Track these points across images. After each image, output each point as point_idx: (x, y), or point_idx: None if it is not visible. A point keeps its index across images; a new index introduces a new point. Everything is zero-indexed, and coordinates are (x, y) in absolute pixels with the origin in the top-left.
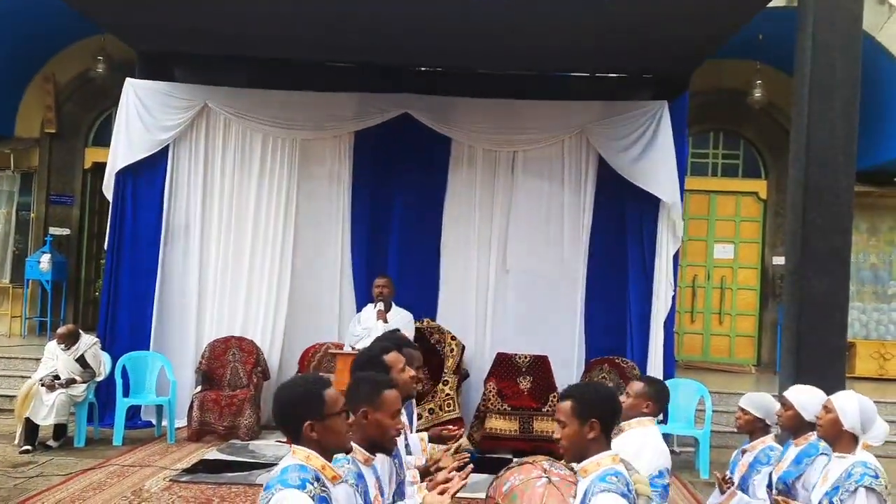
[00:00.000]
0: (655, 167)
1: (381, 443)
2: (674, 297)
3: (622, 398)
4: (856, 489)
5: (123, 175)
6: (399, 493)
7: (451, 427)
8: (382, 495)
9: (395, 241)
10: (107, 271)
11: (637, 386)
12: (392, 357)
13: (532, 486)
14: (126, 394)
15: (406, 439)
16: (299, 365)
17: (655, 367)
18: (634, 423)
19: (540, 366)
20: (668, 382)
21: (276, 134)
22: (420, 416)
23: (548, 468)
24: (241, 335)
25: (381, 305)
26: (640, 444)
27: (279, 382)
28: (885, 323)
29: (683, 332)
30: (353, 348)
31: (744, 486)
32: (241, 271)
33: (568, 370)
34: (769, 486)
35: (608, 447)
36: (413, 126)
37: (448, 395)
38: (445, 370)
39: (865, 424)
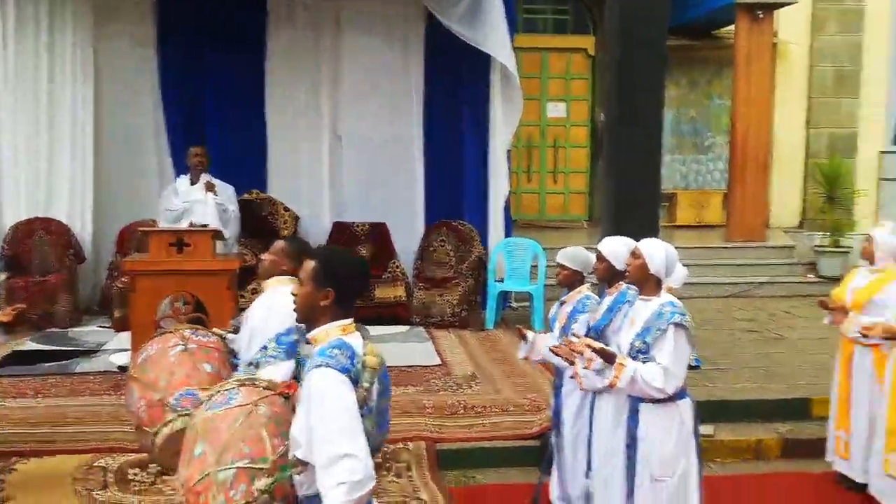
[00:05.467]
0: (485, 23)
1: None
2: (509, 156)
3: (264, 256)
4: (667, 327)
5: None
6: None
7: None
8: None
9: (212, 107)
10: None
11: (278, 245)
12: None
13: (166, 354)
14: None
15: None
16: (116, 246)
17: (495, 228)
18: (272, 282)
19: (379, 233)
20: (504, 242)
21: None
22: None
23: (189, 336)
24: (46, 216)
25: (208, 177)
26: (270, 304)
27: (96, 266)
28: (703, 173)
29: (520, 191)
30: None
31: (564, 335)
32: (37, 141)
33: (408, 236)
34: (586, 333)
35: (344, 318)
36: None
37: None
38: None
39: (669, 268)
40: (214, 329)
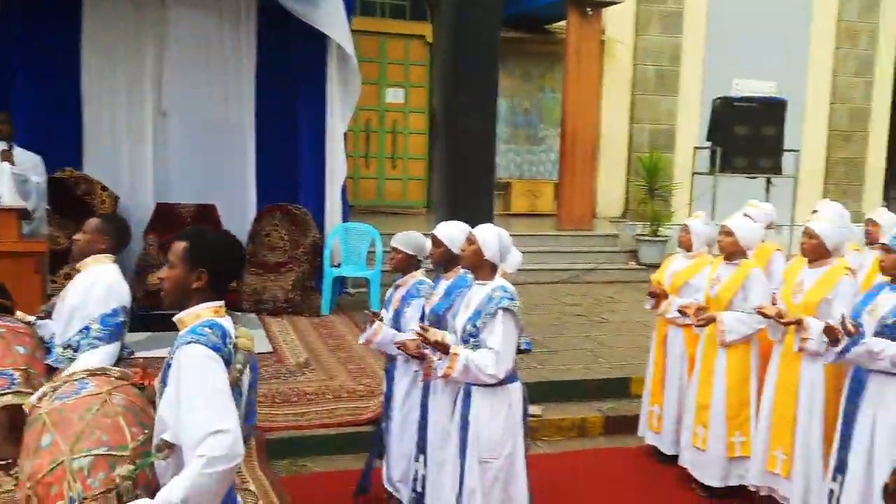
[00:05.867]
0: (322, 2)
1: None
2: (346, 139)
3: (77, 236)
4: (496, 311)
5: None
6: None
7: None
8: None
9: (22, 76)
10: None
11: (93, 223)
12: None
13: None
14: None
15: None
16: None
17: (332, 213)
18: (90, 261)
19: (207, 215)
20: (340, 227)
21: None
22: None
23: None
24: None
25: (4, 145)
26: (91, 282)
27: None
28: (536, 164)
29: (359, 176)
30: None
31: (397, 319)
32: None
33: (239, 219)
34: (422, 318)
35: (216, 300)
36: None
37: None
38: None
39: (503, 253)
40: (20, 314)
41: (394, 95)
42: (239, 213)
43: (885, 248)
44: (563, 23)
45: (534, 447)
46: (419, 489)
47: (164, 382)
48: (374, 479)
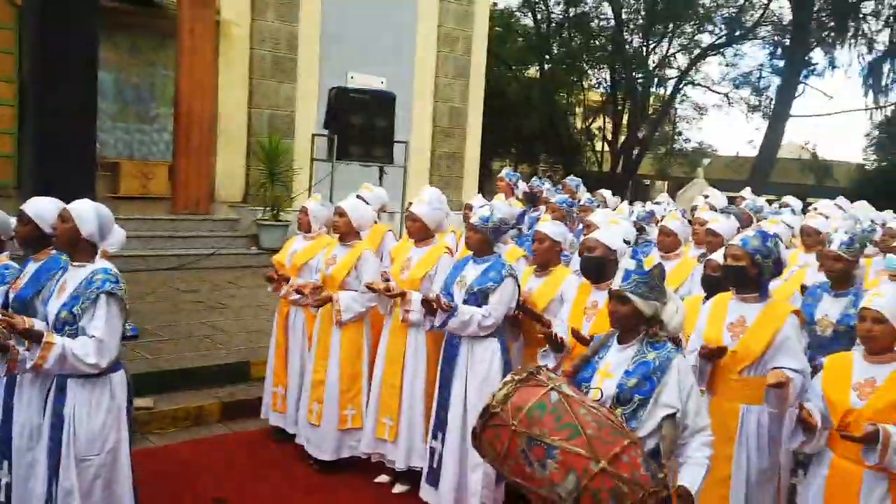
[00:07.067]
0: None
1: None
2: None
3: None
4: (97, 296)
5: None
6: None
7: None
8: None
9: None
10: None
11: None
12: None
13: None
14: None
15: None
16: None
17: None
18: None
19: None
20: None
21: None
22: None
23: None
24: None
25: None
26: None
27: None
28: (148, 144)
29: None
30: None
31: None
32: None
33: None
34: (5, 304)
35: None
36: None
37: None
38: None
39: (104, 231)
40: None
41: None
42: None
43: (471, 228)
44: None
45: (143, 441)
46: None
47: None
48: None
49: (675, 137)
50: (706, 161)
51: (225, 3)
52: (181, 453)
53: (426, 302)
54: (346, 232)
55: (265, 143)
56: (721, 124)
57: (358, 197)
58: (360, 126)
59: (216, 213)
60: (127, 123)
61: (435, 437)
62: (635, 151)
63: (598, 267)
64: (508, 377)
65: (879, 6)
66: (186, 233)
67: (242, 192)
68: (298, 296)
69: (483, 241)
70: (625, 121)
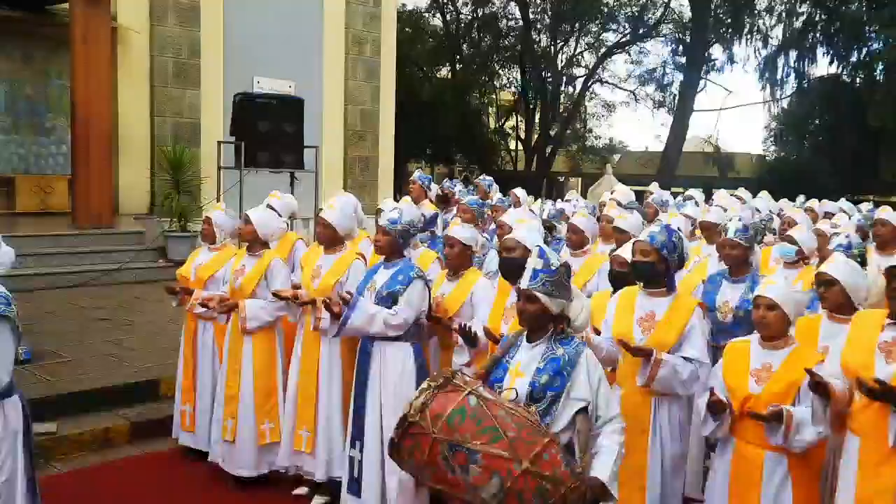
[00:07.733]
0: None
1: None
2: None
3: None
4: None
5: None
6: None
7: None
8: None
9: None
10: None
11: None
12: None
13: None
14: None
15: None
16: None
17: None
18: None
19: None
20: None
21: None
22: None
23: None
24: None
25: None
26: None
27: None
28: (45, 157)
29: None
30: None
31: None
32: None
33: None
34: None
35: None
36: None
37: None
38: None
39: None
40: None
41: None
42: None
43: (380, 230)
44: (66, 5)
45: (46, 468)
46: None
47: None
48: None
49: (587, 135)
50: (616, 157)
51: (122, 9)
52: (89, 478)
53: (326, 305)
54: (254, 240)
55: (169, 153)
56: (630, 121)
57: (268, 206)
58: (268, 132)
59: (120, 226)
60: (22, 137)
61: (353, 445)
62: (548, 149)
63: (518, 268)
64: (425, 384)
65: (773, 2)
66: (89, 247)
67: (147, 203)
68: (204, 309)
69: (392, 242)
70: (537, 119)
